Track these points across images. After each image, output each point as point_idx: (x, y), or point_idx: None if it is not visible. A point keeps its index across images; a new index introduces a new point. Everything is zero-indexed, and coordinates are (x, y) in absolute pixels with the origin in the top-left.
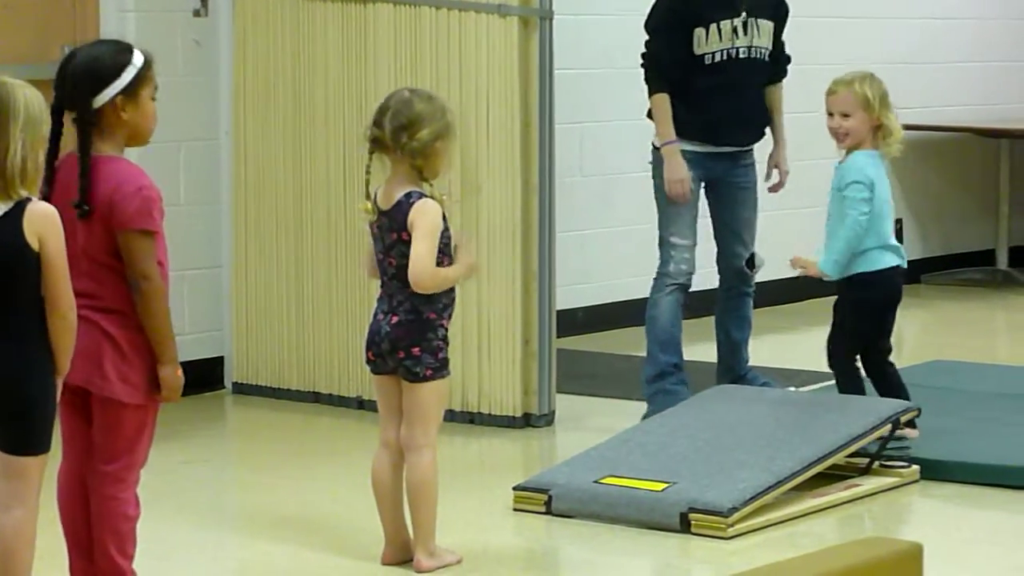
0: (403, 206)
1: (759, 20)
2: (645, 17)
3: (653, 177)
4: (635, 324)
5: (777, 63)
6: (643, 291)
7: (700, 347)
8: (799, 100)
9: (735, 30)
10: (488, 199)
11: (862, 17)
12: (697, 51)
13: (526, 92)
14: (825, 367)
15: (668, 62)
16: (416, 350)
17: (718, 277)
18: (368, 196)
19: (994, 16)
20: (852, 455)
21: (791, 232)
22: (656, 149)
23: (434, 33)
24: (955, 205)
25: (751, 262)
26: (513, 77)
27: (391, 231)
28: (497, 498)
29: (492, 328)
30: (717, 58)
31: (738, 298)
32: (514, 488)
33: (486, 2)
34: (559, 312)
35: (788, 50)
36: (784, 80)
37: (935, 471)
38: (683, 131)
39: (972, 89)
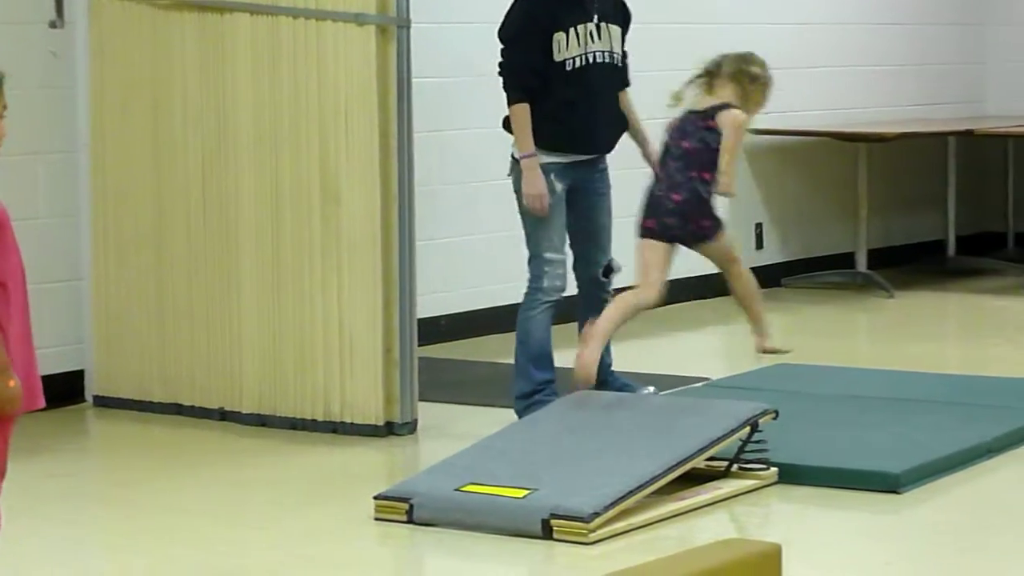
0: (719, 108)
1: (609, 25)
2: (499, 25)
3: (518, 191)
4: (497, 331)
5: (625, 69)
6: (505, 299)
7: (563, 353)
8: (656, 105)
9: (590, 34)
10: (348, 208)
11: (723, 23)
12: (557, 57)
13: (384, 100)
14: (687, 371)
15: (528, 70)
16: (706, 222)
17: (581, 282)
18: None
19: (851, 21)
20: (711, 458)
21: None
22: (516, 161)
23: (292, 42)
24: (814, 209)
25: (608, 268)
26: (371, 85)
27: (702, 119)
28: (359, 507)
29: (354, 337)
30: (577, 63)
31: (597, 303)
32: (375, 497)
33: (343, 11)
34: (421, 320)
35: (651, 56)
36: (629, 87)
37: (792, 474)
38: (546, 142)
39: (830, 94)
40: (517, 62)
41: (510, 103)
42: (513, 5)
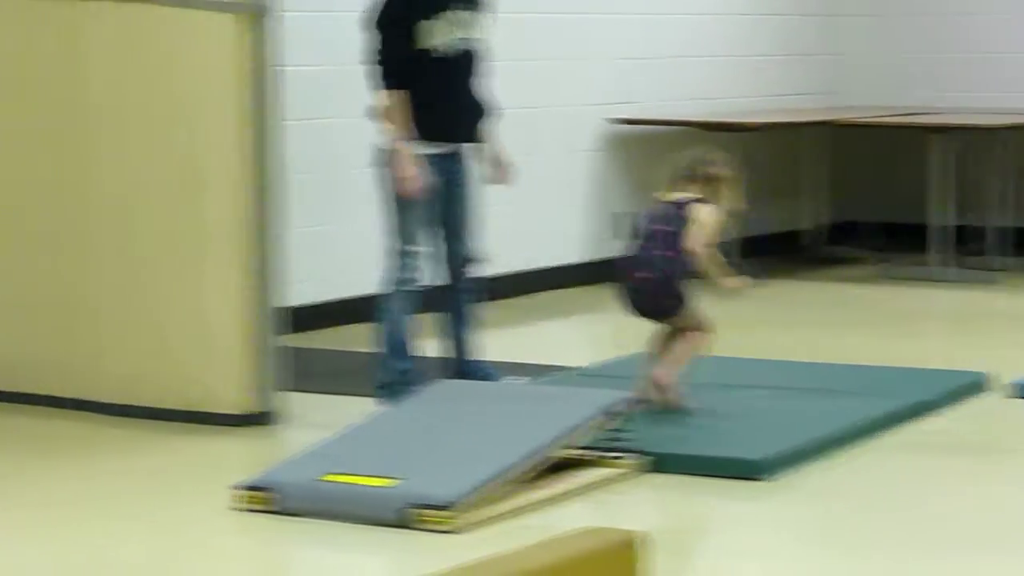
0: (692, 200)
1: (473, 12)
2: (371, 13)
3: (380, 181)
4: (363, 321)
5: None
6: (371, 288)
7: (430, 342)
8: (521, 94)
9: (457, 22)
10: (214, 196)
11: (588, 12)
12: (425, 45)
13: (251, 89)
14: (552, 360)
15: (402, 58)
16: (669, 300)
17: (443, 274)
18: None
19: (715, 11)
20: (575, 446)
21: (518, 225)
22: (382, 151)
23: (158, 29)
24: None
25: (470, 260)
26: (238, 74)
27: (675, 206)
28: (222, 498)
29: (217, 326)
30: (444, 51)
31: (460, 293)
32: (237, 487)
33: None
34: (287, 309)
35: (515, 46)
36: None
37: (656, 462)
38: (417, 132)
39: (694, 84)
40: (391, 49)
41: (384, 89)
42: None
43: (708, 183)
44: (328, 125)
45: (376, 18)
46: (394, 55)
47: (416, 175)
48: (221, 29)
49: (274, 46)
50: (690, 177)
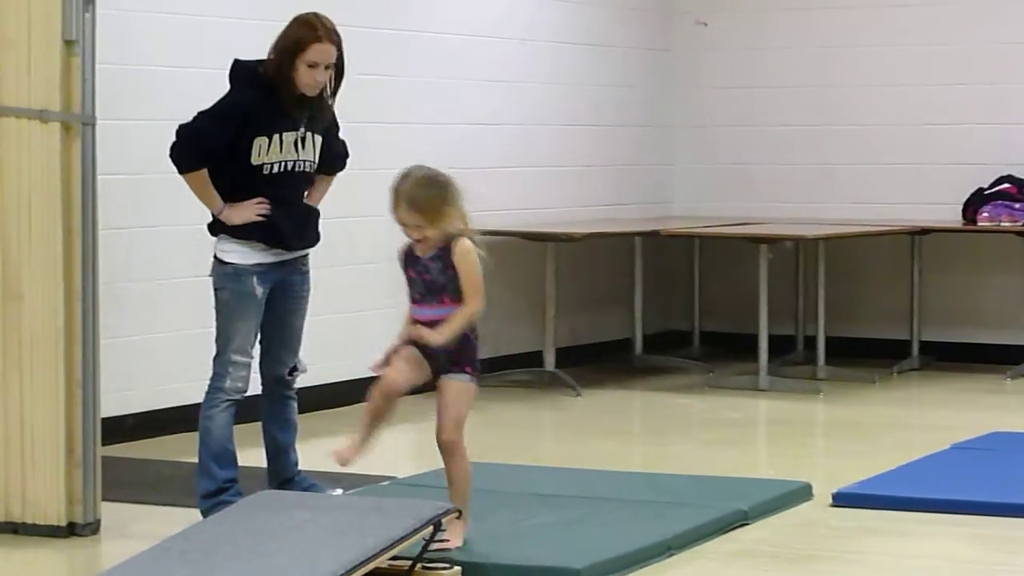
0: None
1: (314, 135)
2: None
3: (217, 289)
4: (183, 431)
5: (333, 160)
6: (191, 397)
7: (252, 452)
8: (342, 205)
9: (295, 143)
10: (29, 306)
11: (406, 123)
12: (255, 161)
13: (68, 197)
14: (373, 470)
15: (212, 142)
16: None
17: (261, 382)
18: None
19: (540, 122)
20: (395, 557)
21: (341, 334)
22: (222, 263)
23: None
24: (503, 307)
25: (294, 369)
26: (55, 182)
27: None
28: None
29: (36, 436)
30: (275, 169)
31: (281, 402)
32: None
33: (27, 107)
34: (107, 419)
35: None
36: (339, 172)
37: (476, 573)
38: (247, 236)
39: (518, 193)
40: (205, 131)
41: (186, 170)
42: (225, 95)
43: None
44: (145, 234)
45: (207, 109)
46: (200, 137)
47: (249, 211)
48: (42, 138)
49: (93, 154)
50: None
